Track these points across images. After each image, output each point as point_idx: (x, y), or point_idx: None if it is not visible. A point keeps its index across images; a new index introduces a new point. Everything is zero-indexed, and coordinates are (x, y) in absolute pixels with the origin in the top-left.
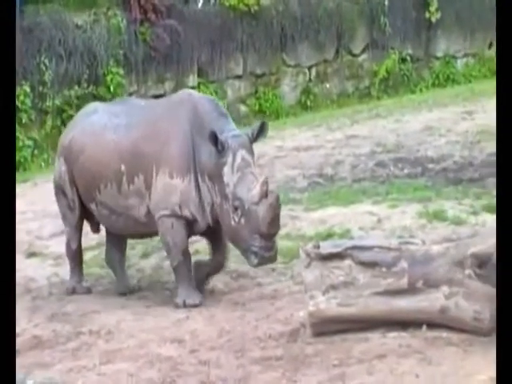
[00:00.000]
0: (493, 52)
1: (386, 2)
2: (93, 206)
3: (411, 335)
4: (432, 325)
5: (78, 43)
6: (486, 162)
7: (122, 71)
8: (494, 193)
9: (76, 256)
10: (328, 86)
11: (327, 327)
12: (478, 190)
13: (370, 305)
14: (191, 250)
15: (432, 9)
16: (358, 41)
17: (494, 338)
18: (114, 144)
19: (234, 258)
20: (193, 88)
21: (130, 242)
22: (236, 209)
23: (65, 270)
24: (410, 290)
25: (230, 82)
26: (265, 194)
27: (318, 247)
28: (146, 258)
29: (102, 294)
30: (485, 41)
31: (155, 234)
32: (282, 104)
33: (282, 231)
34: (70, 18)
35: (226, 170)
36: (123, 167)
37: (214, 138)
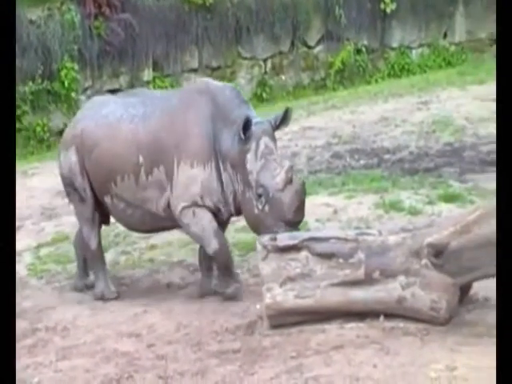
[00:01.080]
0: (447, 42)
1: None
2: (107, 200)
3: (368, 326)
4: (389, 315)
5: (31, 38)
6: (441, 151)
7: (76, 66)
8: (450, 182)
9: (98, 257)
10: (283, 77)
11: (284, 319)
12: (434, 179)
13: (327, 296)
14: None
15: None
16: (313, 32)
17: (450, 327)
18: (131, 135)
19: (192, 252)
20: (147, 82)
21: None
22: (260, 196)
23: (21, 266)
24: (367, 280)
25: (185, 75)
26: (289, 181)
27: (275, 239)
28: None
29: (59, 290)
30: (439, 31)
31: (171, 228)
32: None
33: (239, 223)
34: (23, 13)
35: (250, 157)
36: (141, 159)
37: (248, 125)
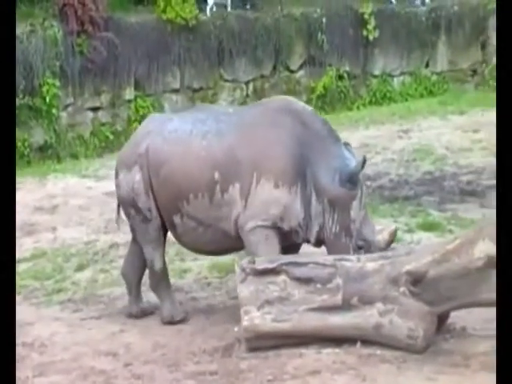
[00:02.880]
0: (429, 71)
1: (324, 19)
2: (176, 219)
3: (345, 351)
4: (366, 341)
5: None
6: (421, 180)
7: (58, 83)
8: (430, 211)
9: (163, 278)
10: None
11: (262, 342)
12: (414, 208)
13: (305, 320)
14: None
15: (370, 27)
16: (296, 57)
17: (427, 356)
18: (205, 152)
19: (170, 272)
20: (129, 101)
21: (65, 253)
22: (360, 248)
23: None
24: (345, 306)
25: (166, 95)
26: (391, 243)
27: (254, 262)
28: (81, 271)
29: (36, 306)
30: (421, 60)
31: (238, 249)
32: None
33: None
34: None
35: (355, 204)
36: (217, 175)
37: (358, 172)
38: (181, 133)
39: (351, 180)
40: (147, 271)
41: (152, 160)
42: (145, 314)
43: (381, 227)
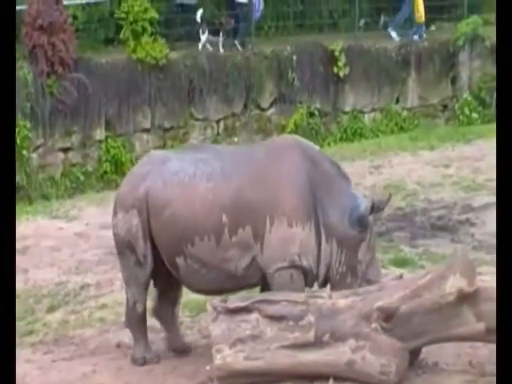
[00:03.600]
0: (399, 107)
1: (294, 57)
2: (179, 261)
3: None
4: (339, 378)
5: None
6: (392, 216)
7: (28, 124)
8: (401, 247)
9: (143, 321)
10: (236, 139)
11: (234, 381)
12: (385, 244)
13: (277, 358)
14: None
15: (340, 64)
16: (267, 95)
17: None
18: (211, 194)
19: None
20: (100, 142)
21: (36, 295)
22: None
23: None
24: (317, 343)
25: (137, 135)
26: None
27: (226, 301)
28: (52, 312)
29: None
30: (392, 96)
31: (242, 288)
32: None
33: None
34: None
35: (363, 246)
36: (225, 218)
37: (364, 221)
38: (183, 175)
39: (361, 222)
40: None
41: (152, 204)
42: (187, 347)
43: (386, 271)
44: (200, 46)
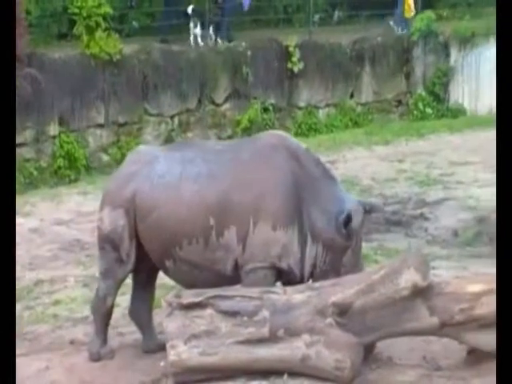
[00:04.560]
0: (354, 102)
1: (249, 52)
2: (168, 263)
3: None
4: (293, 373)
5: None
6: None
7: None
8: None
9: (108, 315)
10: (190, 135)
11: (189, 376)
12: None
13: (232, 354)
14: None
15: (294, 59)
16: (221, 90)
17: None
18: (198, 197)
19: None
20: (53, 137)
21: None
22: None
23: None
24: (272, 338)
25: (91, 130)
26: None
27: (180, 296)
28: None
29: None
30: (346, 91)
31: None
32: None
33: None
34: None
35: (349, 252)
36: (212, 220)
37: (348, 222)
38: (169, 176)
39: (347, 230)
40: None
41: (139, 206)
42: (162, 348)
43: None
44: (191, 39)
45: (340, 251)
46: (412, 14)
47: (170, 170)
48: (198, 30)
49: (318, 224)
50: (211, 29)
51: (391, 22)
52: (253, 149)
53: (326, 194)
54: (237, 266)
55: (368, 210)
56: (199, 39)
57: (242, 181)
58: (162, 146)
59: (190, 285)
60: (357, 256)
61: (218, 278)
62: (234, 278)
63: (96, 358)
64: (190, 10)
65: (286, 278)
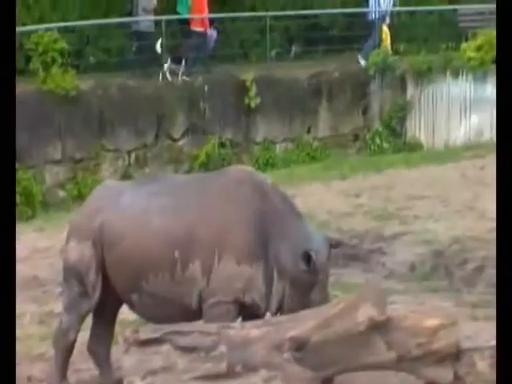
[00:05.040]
0: (311, 137)
1: (206, 87)
2: (134, 297)
3: None
4: None
5: None
6: None
7: None
8: None
9: (69, 350)
10: (148, 170)
11: None
12: None
13: None
14: None
15: (251, 94)
16: (178, 125)
17: None
18: (163, 230)
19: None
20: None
21: None
22: None
23: None
24: (230, 374)
25: (48, 167)
26: None
27: (137, 332)
28: None
29: None
30: (303, 126)
31: None
32: None
33: None
34: None
35: (316, 288)
36: (177, 254)
37: (308, 259)
38: (136, 208)
39: (312, 268)
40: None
41: (106, 237)
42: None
43: None
44: (161, 75)
45: (307, 288)
46: (389, 48)
47: (136, 203)
48: (166, 66)
49: (285, 260)
50: (183, 64)
51: (359, 56)
52: (219, 183)
53: (293, 231)
54: (200, 300)
55: (334, 245)
56: (168, 74)
57: (208, 214)
58: (128, 181)
59: (154, 319)
60: (324, 292)
61: (183, 313)
62: (200, 312)
63: None
64: (158, 46)
65: (250, 312)
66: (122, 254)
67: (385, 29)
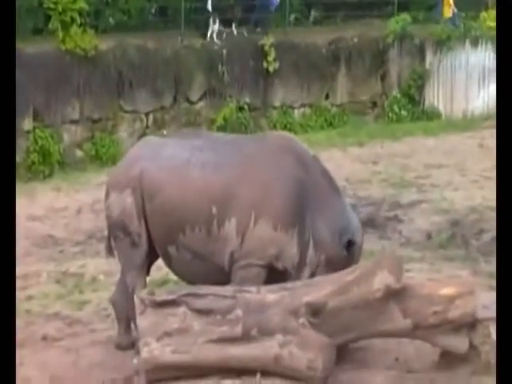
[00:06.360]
0: (329, 103)
1: (224, 51)
2: (172, 250)
3: (245, 383)
4: (266, 372)
5: None
6: None
7: None
8: None
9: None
10: (165, 132)
11: (161, 374)
12: None
13: (205, 352)
14: None
15: (270, 58)
16: (196, 88)
17: None
18: (203, 184)
19: (68, 304)
20: (28, 132)
21: None
22: None
23: None
24: (245, 337)
25: (66, 126)
26: None
27: (153, 293)
28: None
29: None
30: (321, 91)
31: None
32: (119, 150)
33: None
34: None
35: (350, 268)
36: (214, 209)
37: (350, 246)
38: (176, 160)
39: (349, 250)
40: None
41: (146, 185)
42: (134, 345)
43: None
44: (208, 35)
45: (341, 267)
46: (450, 14)
47: (177, 155)
48: (216, 27)
49: (322, 236)
50: (233, 26)
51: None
52: (261, 146)
53: (331, 206)
54: (231, 259)
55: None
56: (215, 36)
57: (248, 175)
58: (171, 135)
59: (189, 277)
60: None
61: (217, 272)
62: (231, 272)
63: (123, 347)
64: (209, 6)
65: (281, 280)
66: (161, 203)
67: None
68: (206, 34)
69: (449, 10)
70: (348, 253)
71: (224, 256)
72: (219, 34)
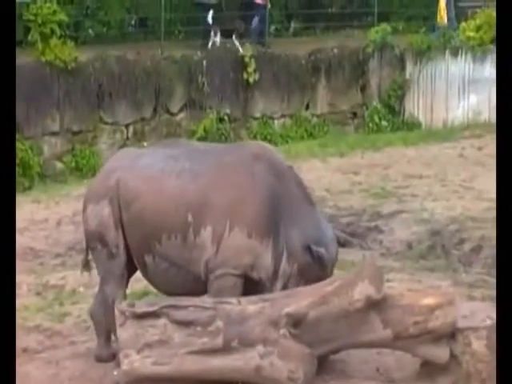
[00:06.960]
0: (309, 113)
1: (204, 62)
2: (148, 259)
3: None
4: (247, 383)
5: None
6: None
7: None
8: None
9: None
10: (145, 144)
11: None
12: None
13: (185, 364)
14: None
15: (250, 69)
16: (176, 100)
17: None
18: (179, 191)
19: (48, 317)
20: None
21: None
22: None
23: None
24: (226, 349)
25: (46, 138)
26: None
27: (133, 305)
28: None
29: None
30: (302, 102)
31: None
32: (100, 162)
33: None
34: None
35: (330, 279)
36: (190, 217)
37: (322, 258)
38: (152, 169)
39: (322, 262)
40: None
41: (123, 194)
42: (115, 357)
43: None
44: (209, 47)
45: (314, 279)
46: (444, 22)
47: (152, 164)
48: (217, 38)
49: (295, 246)
50: (234, 38)
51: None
52: (237, 154)
53: (305, 217)
54: (209, 270)
55: (342, 243)
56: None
57: (224, 183)
58: (146, 146)
59: (166, 287)
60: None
61: (193, 280)
62: (207, 281)
63: (104, 359)
64: (209, 18)
65: (255, 291)
66: (137, 211)
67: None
68: (206, 45)
69: (443, 17)
70: (321, 265)
71: (200, 265)
72: (220, 45)
